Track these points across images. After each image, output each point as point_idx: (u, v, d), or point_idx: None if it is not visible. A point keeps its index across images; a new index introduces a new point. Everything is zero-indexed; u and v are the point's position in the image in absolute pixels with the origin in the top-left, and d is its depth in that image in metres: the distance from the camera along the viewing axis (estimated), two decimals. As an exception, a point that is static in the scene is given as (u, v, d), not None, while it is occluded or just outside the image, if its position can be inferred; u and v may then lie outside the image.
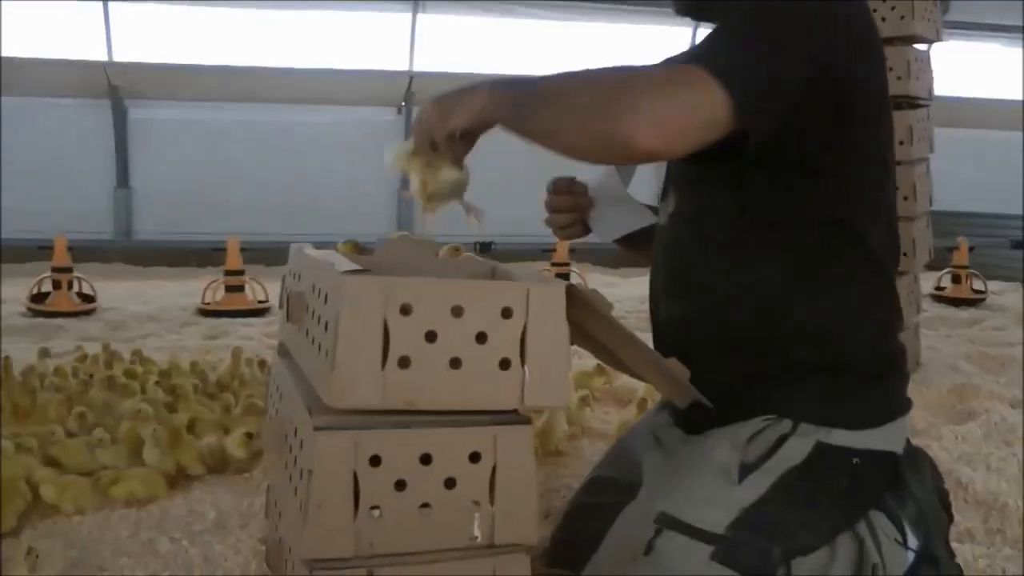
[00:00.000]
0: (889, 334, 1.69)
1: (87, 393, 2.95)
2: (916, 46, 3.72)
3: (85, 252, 6.61)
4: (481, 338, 1.45)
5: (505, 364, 1.46)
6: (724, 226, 1.66)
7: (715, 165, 1.58)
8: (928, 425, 3.19)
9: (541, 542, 1.96)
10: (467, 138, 1.54)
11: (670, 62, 1.49)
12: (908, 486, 1.66)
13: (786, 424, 1.58)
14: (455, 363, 1.44)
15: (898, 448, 1.66)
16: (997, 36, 11.07)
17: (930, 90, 3.81)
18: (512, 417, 1.50)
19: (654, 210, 1.97)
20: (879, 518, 1.63)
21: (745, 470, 1.56)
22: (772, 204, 1.60)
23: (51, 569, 1.82)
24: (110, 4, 8.81)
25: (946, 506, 1.76)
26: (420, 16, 9.45)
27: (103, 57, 9.02)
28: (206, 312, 5.55)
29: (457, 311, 1.43)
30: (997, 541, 2.21)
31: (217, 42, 9.14)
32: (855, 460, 1.58)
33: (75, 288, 5.77)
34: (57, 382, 3.17)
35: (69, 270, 5.78)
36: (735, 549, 1.52)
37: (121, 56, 9.07)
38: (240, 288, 5.89)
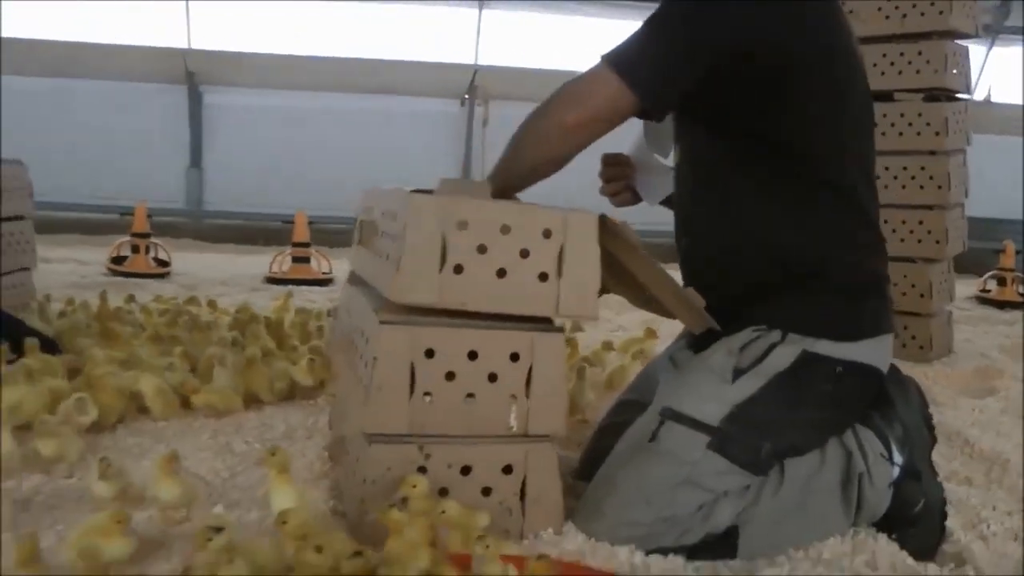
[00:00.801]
0: (868, 262, 1.92)
1: (170, 329, 3.23)
2: (954, 41, 3.88)
3: (158, 227, 6.94)
4: (524, 253, 1.70)
5: (543, 277, 1.71)
6: (709, 170, 1.94)
7: (687, 121, 1.96)
8: (948, 398, 3.36)
9: (570, 462, 2.19)
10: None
11: (601, 57, 1.80)
12: (895, 407, 1.89)
13: (775, 334, 1.82)
14: (501, 273, 1.70)
15: (881, 365, 1.88)
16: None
17: (968, 84, 3.97)
18: (547, 325, 1.76)
19: None
20: (866, 434, 1.86)
21: (738, 373, 1.81)
22: (743, 150, 1.87)
23: (136, 468, 2.09)
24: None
25: (930, 428, 1.97)
26: (485, 11, 9.72)
27: (183, 45, 9.43)
28: (273, 280, 5.87)
29: (505, 229, 1.69)
30: (993, 487, 2.39)
31: (289, 32, 9.50)
32: (838, 368, 1.82)
33: (152, 253, 6.11)
34: (142, 319, 3.49)
35: (147, 235, 6.12)
36: (728, 440, 1.77)
37: (199, 44, 9.48)
38: (306, 260, 6.18)
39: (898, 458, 1.86)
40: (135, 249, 6.07)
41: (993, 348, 4.49)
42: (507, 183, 1.88)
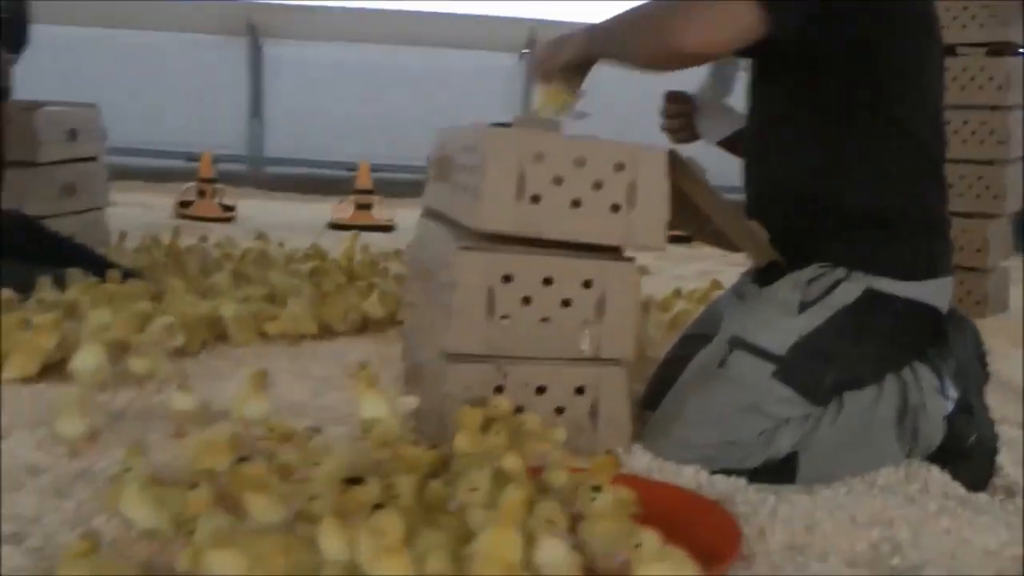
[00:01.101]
0: (932, 206, 1.99)
1: (242, 264, 3.37)
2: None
3: (219, 175, 7.09)
4: (598, 185, 1.79)
5: (615, 208, 1.80)
6: (785, 114, 2.00)
7: (771, 62, 2.00)
8: (1002, 350, 3.38)
9: (634, 394, 2.28)
10: (574, 70, 2.01)
11: None
12: (950, 344, 1.96)
13: (840, 271, 1.89)
14: (575, 204, 1.79)
15: (941, 305, 1.95)
16: None
17: (1029, 38, 3.96)
18: (619, 255, 1.85)
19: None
20: (922, 369, 1.93)
21: (804, 306, 1.89)
22: (823, 95, 1.93)
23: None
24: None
25: (983, 365, 2.04)
26: (544, -34, 9.74)
27: (245, -2, 9.59)
28: (336, 226, 5.98)
29: (580, 161, 1.78)
30: None
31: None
32: (899, 306, 1.89)
33: (217, 198, 6.28)
34: (216, 255, 3.64)
35: (214, 181, 6.30)
36: (793, 369, 1.85)
37: (261, -3, 9.63)
38: (368, 207, 6.29)
39: (952, 392, 1.93)
40: (201, 194, 6.24)
41: (1053, 308, 4.49)
42: (600, 51, 1.97)
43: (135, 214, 6.00)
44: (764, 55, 1.98)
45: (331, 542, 1.15)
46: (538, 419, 1.70)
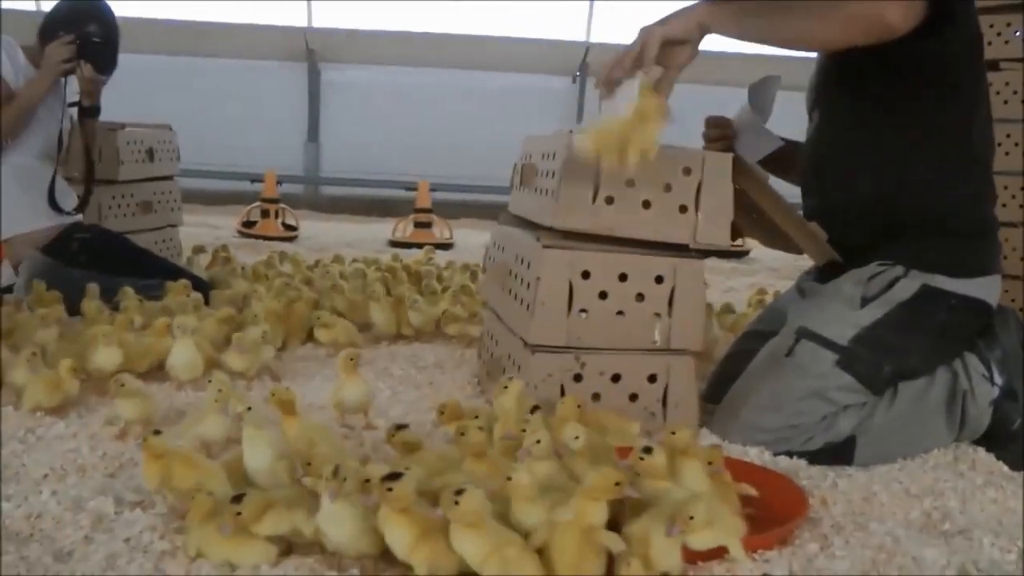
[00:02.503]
0: (983, 207, 2.13)
1: (312, 276, 3.57)
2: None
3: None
4: (667, 188, 1.95)
5: (683, 209, 1.96)
6: (850, 126, 2.15)
7: (842, 73, 2.14)
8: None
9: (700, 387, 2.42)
10: (677, 51, 1.85)
11: None
12: (996, 334, 2.09)
13: (899, 269, 2.03)
14: (646, 204, 1.95)
15: (990, 300, 2.08)
16: None
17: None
18: (688, 253, 2.00)
19: (785, 140, 2.42)
20: (971, 358, 2.07)
21: (865, 300, 2.03)
22: (897, 110, 2.07)
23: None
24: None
25: (1028, 353, 2.17)
26: (599, -8, 9.92)
27: (303, 23, 9.85)
28: (396, 244, 6.16)
29: (651, 166, 1.92)
30: None
31: (405, 9, 9.80)
32: (952, 301, 2.03)
33: (280, 218, 6.50)
34: (290, 269, 3.84)
35: (277, 201, 6.52)
36: (855, 359, 1.99)
37: (319, 23, 9.89)
38: (428, 225, 6.50)
39: (998, 379, 2.06)
40: (264, 214, 6.46)
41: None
42: (732, 26, 1.88)
43: (201, 233, 6.24)
44: (865, 57, 2.04)
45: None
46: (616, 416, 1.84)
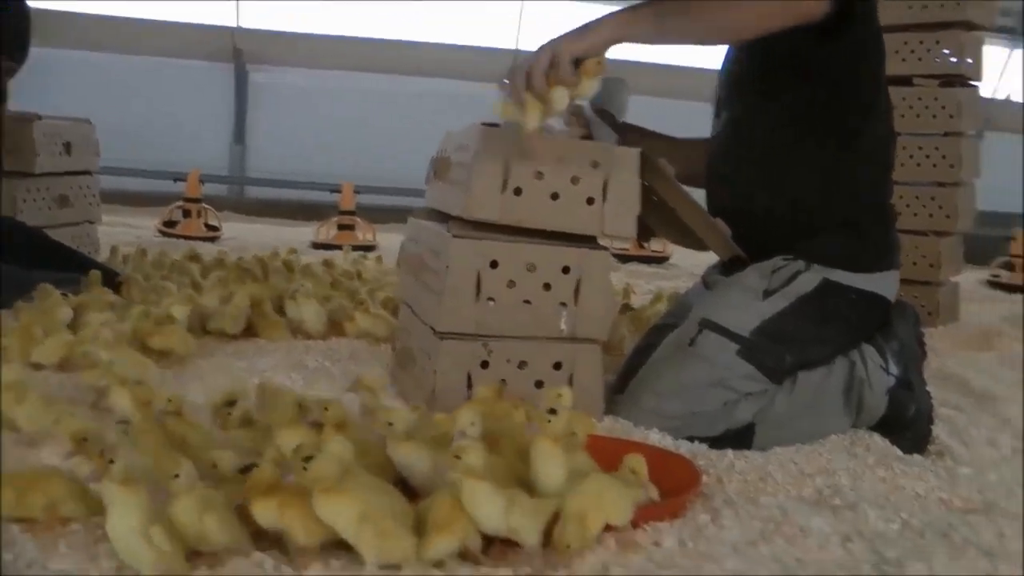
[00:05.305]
0: (882, 204, 2.23)
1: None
2: (970, 32, 4.13)
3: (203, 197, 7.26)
4: (575, 180, 2.00)
5: (591, 201, 2.01)
6: (762, 128, 2.22)
7: (747, 78, 2.24)
8: (947, 349, 3.56)
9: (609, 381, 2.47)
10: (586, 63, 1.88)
11: None
12: (894, 327, 2.18)
13: (800, 263, 2.12)
14: (555, 196, 2.00)
15: (889, 294, 2.18)
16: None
17: (979, 72, 4.23)
18: (595, 244, 2.05)
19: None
20: (868, 349, 2.15)
21: (768, 293, 2.11)
22: (802, 113, 2.16)
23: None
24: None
25: (921, 345, 2.26)
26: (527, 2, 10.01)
27: (232, 23, 9.79)
28: (318, 246, 6.15)
29: (559, 158, 1.98)
30: (982, 416, 2.61)
31: (334, 13, 9.79)
32: (852, 295, 2.12)
33: (203, 218, 6.45)
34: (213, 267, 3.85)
35: (199, 200, 6.48)
36: (757, 349, 2.06)
37: (247, 23, 9.84)
38: (351, 227, 6.49)
39: (894, 369, 2.14)
40: (187, 213, 6.41)
41: (996, 318, 4.71)
42: (648, 30, 1.94)
43: (120, 232, 6.15)
44: (770, 57, 2.15)
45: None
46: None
